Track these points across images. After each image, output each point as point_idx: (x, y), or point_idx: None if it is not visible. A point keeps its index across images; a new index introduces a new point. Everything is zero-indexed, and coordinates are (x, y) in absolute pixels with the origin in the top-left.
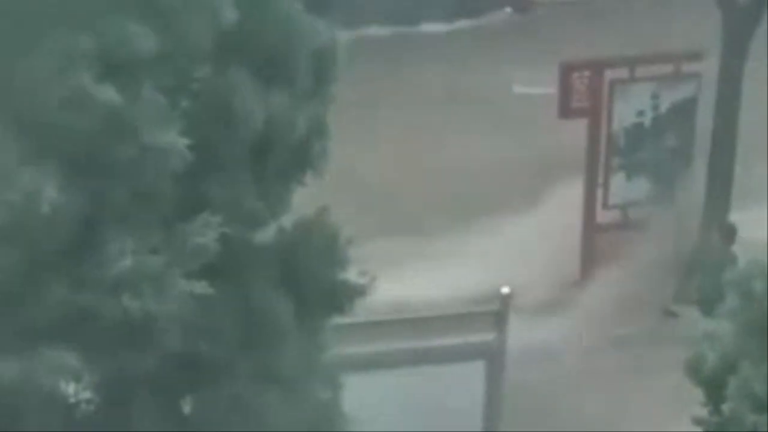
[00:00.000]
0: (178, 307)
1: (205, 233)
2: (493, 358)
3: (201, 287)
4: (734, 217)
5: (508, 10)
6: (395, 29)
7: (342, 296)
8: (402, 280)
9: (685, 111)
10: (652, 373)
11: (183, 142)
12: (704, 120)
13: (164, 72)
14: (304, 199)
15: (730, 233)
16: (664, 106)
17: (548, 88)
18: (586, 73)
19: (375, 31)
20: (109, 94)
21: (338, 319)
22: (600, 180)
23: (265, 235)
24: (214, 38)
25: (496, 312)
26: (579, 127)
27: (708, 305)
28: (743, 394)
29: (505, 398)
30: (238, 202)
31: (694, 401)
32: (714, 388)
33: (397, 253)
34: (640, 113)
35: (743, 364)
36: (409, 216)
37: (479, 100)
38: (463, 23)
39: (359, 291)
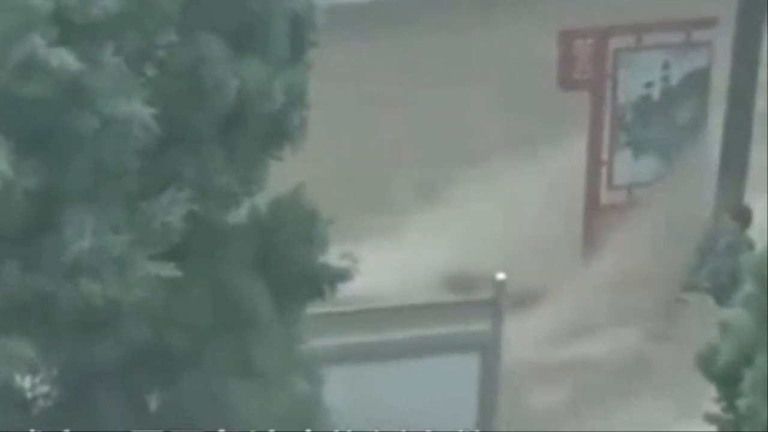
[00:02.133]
0: (144, 292)
1: (172, 211)
2: (488, 349)
3: (168, 270)
4: (749, 198)
5: None
6: None
7: (322, 281)
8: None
9: (697, 83)
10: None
11: (147, 112)
12: (718, 93)
13: (127, 37)
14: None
15: (745, 216)
16: (675, 77)
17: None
18: (589, 40)
19: None
20: (65, 59)
21: (319, 307)
22: (604, 158)
23: (238, 214)
24: (182, 1)
25: (491, 300)
26: (581, 100)
27: (722, 292)
28: (761, 388)
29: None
30: (209, 179)
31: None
32: (728, 382)
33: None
34: (648, 85)
35: (761, 356)
36: (383, 193)
37: (470, 70)
38: None
39: (341, 275)
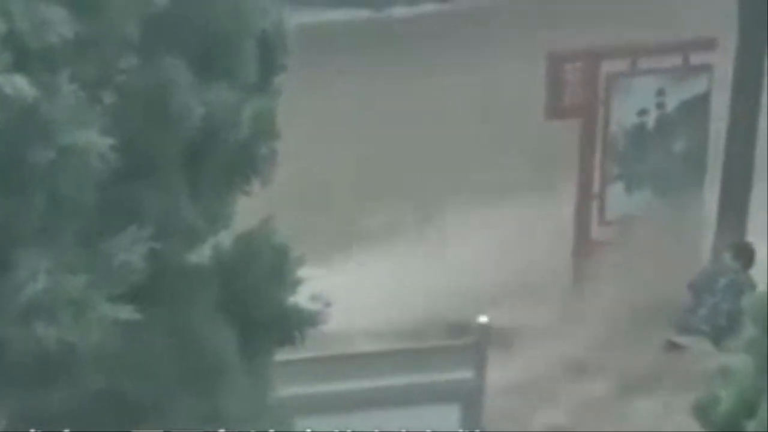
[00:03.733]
0: (101, 336)
1: (133, 249)
2: (470, 399)
3: (127, 312)
4: (752, 236)
5: None
6: (358, 13)
7: (292, 325)
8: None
9: (695, 110)
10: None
11: (106, 142)
12: (718, 121)
13: (84, 62)
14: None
15: (747, 254)
16: (671, 104)
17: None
18: (579, 64)
19: (334, 15)
20: (20, 86)
21: (289, 353)
22: (595, 191)
23: (202, 253)
24: (143, 22)
25: (473, 345)
26: (571, 129)
27: (720, 336)
28: None
29: None
30: (171, 215)
31: None
32: None
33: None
34: (643, 112)
35: (764, 405)
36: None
37: (453, 99)
38: (433, 6)
39: (312, 319)
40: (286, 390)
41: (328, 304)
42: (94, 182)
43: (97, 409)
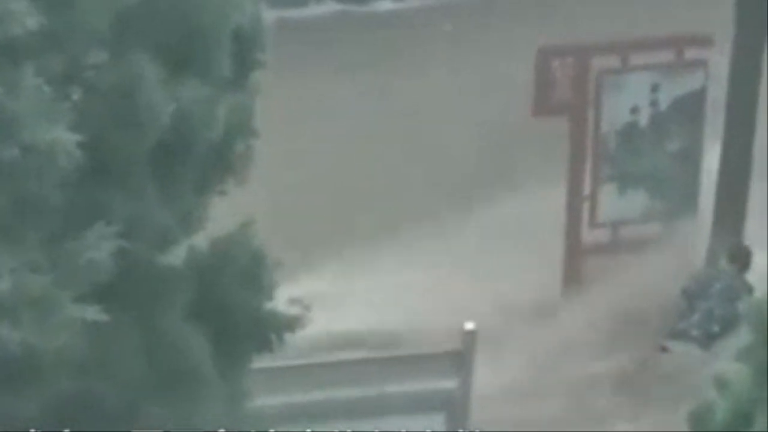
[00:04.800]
0: (67, 338)
1: (100, 247)
2: (455, 408)
3: (94, 313)
4: (749, 239)
5: None
6: (344, 8)
7: (269, 330)
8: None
9: (690, 107)
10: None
11: (72, 139)
12: (714, 119)
13: (50, 57)
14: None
15: (743, 258)
16: (665, 101)
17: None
18: (569, 60)
19: (319, 9)
20: None
21: (269, 361)
22: (586, 192)
23: (175, 255)
24: (114, 16)
25: (459, 353)
26: (560, 127)
27: (710, 342)
28: None
29: None
30: (140, 215)
31: None
32: None
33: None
34: (635, 110)
35: (761, 415)
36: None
37: (436, 97)
38: (419, 1)
39: (289, 324)
40: (265, 399)
41: (307, 308)
42: (60, 181)
43: (67, 416)
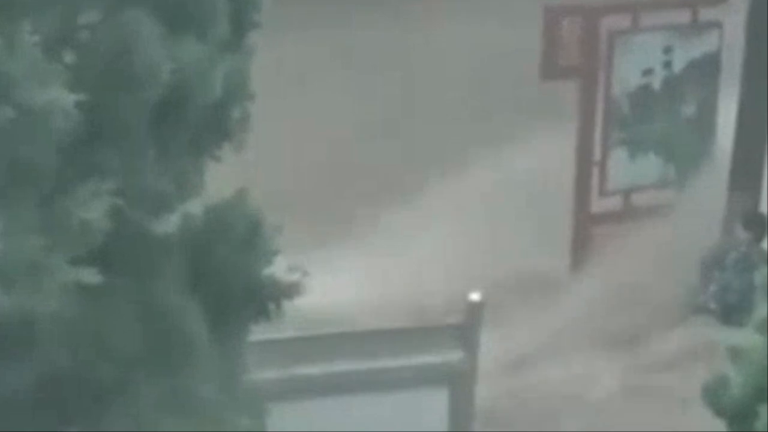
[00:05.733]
0: (61, 302)
1: (92, 206)
2: (460, 382)
3: (89, 275)
4: (766, 205)
5: None
6: None
7: (267, 297)
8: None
9: (705, 70)
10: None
11: (69, 99)
12: (729, 82)
13: (42, 17)
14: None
15: (760, 225)
16: (679, 63)
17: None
18: (578, 20)
19: None
20: None
21: (264, 332)
22: (596, 158)
23: (169, 222)
24: None
25: (464, 325)
26: (569, 90)
27: (730, 314)
28: None
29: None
30: (137, 180)
31: None
32: (741, 419)
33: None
34: (648, 73)
35: None
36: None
37: (436, 60)
38: None
39: (289, 291)
40: (262, 372)
41: (305, 274)
42: (56, 142)
43: (56, 388)
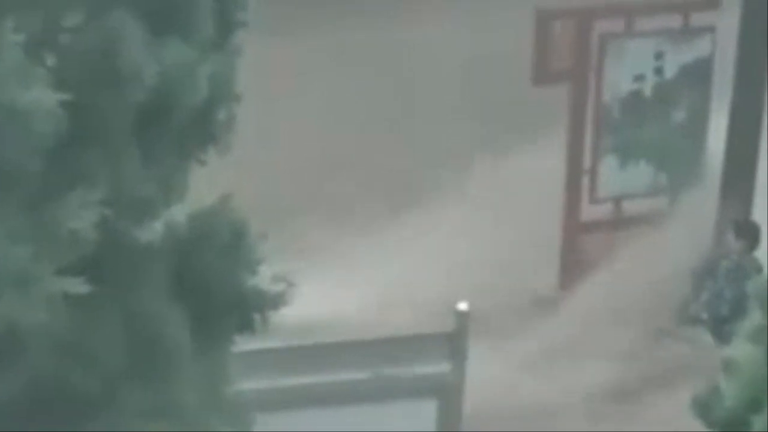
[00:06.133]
0: (48, 313)
1: (82, 216)
2: (448, 394)
3: (76, 285)
4: (758, 214)
5: None
6: None
7: (251, 308)
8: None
9: (697, 75)
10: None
11: (53, 99)
12: (721, 88)
13: (23, 18)
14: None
15: (752, 234)
16: (671, 69)
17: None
18: (570, 23)
19: None
20: None
21: (249, 343)
22: (586, 165)
23: (153, 229)
24: None
25: (452, 334)
26: (559, 95)
27: (721, 326)
28: None
29: None
30: (121, 185)
31: None
32: (733, 430)
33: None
34: (639, 78)
35: None
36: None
37: (427, 62)
38: None
39: (273, 301)
40: (247, 383)
41: (291, 285)
42: (40, 145)
43: (40, 401)
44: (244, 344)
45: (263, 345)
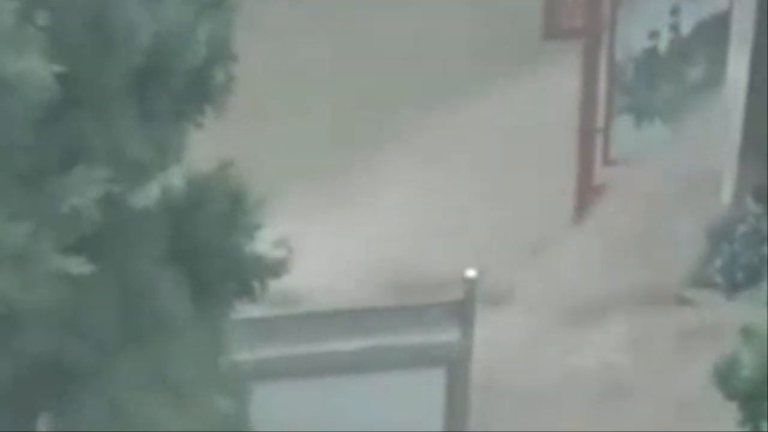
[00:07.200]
0: (49, 292)
1: (84, 192)
2: (456, 363)
3: (78, 264)
4: None
5: None
6: None
7: (250, 274)
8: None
9: (713, 32)
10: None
11: (48, 69)
12: (739, 45)
13: None
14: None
15: None
16: (687, 25)
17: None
18: None
19: None
20: None
21: (251, 311)
22: (599, 125)
23: (149, 194)
24: None
25: (460, 303)
26: (571, 52)
27: (735, 290)
28: None
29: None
30: (119, 149)
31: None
32: (752, 401)
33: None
34: (654, 35)
35: None
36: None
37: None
38: None
39: (274, 268)
40: (253, 352)
41: (291, 251)
42: (33, 117)
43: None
44: (251, 312)
45: (269, 313)
